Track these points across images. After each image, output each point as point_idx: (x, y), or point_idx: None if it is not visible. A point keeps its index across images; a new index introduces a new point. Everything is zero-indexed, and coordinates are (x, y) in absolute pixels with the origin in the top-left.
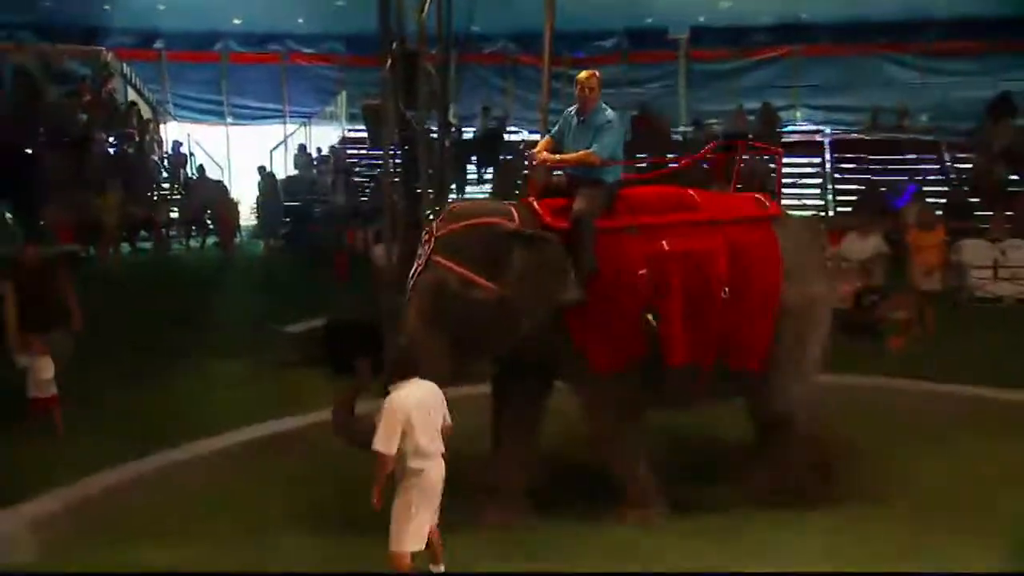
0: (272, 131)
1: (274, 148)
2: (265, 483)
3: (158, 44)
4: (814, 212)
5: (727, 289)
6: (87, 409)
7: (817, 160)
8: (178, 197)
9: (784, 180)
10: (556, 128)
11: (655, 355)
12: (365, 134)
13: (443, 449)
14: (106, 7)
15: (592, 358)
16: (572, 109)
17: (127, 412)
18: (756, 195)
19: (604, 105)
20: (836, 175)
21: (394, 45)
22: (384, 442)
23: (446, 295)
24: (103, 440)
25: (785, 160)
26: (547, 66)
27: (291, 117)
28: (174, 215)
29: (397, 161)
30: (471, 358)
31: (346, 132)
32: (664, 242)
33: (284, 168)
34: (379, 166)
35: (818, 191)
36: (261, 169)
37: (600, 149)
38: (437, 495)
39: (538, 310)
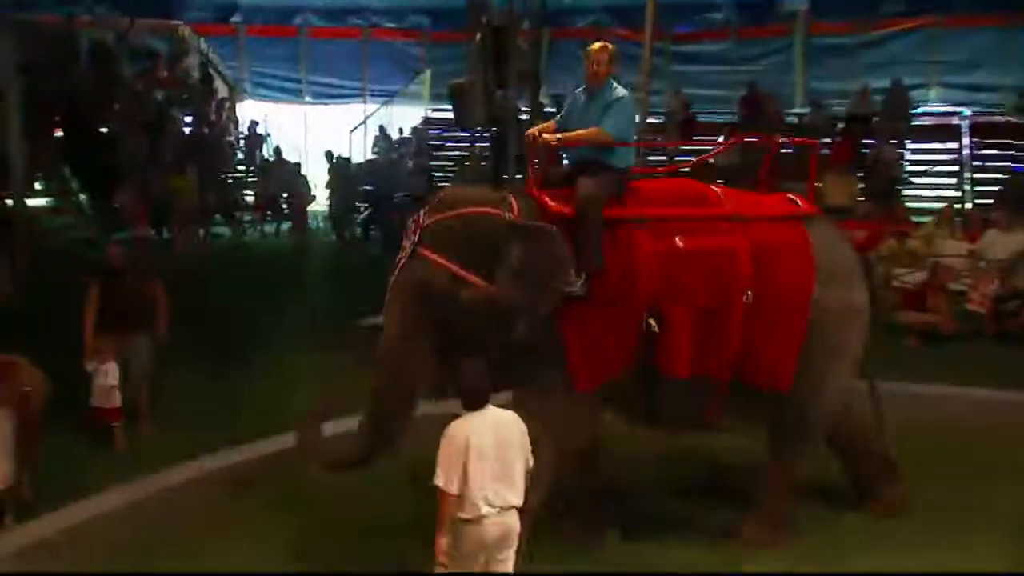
0: (351, 111)
1: (353, 129)
2: (331, 485)
3: (236, 18)
4: (948, 204)
5: (750, 294)
6: (160, 405)
7: (954, 145)
8: (253, 180)
9: (915, 168)
10: (563, 111)
11: (651, 366)
12: (450, 115)
13: (517, 501)
14: None
15: (576, 371)
16: (580, 88)
17: (199, 407)
18: (787, 194)
19: (615, 83)
20: (975, 163)
21: (483, 19)
22: (444, 477)
23: (432, 292)
24: (172, 437)
25: (917, 146)
26: (648, 41)
27: (371, 96)
28: (249, 199)
29: (484, 144)
30: (455, 366)
31: (429, 112)
32: (677, 238)
33: (363, 151)
34: (464, 149)
35: (954, 180)
36: (328, 155)
37: (609, 127)
38: (480, 556)
39: (534, 312)
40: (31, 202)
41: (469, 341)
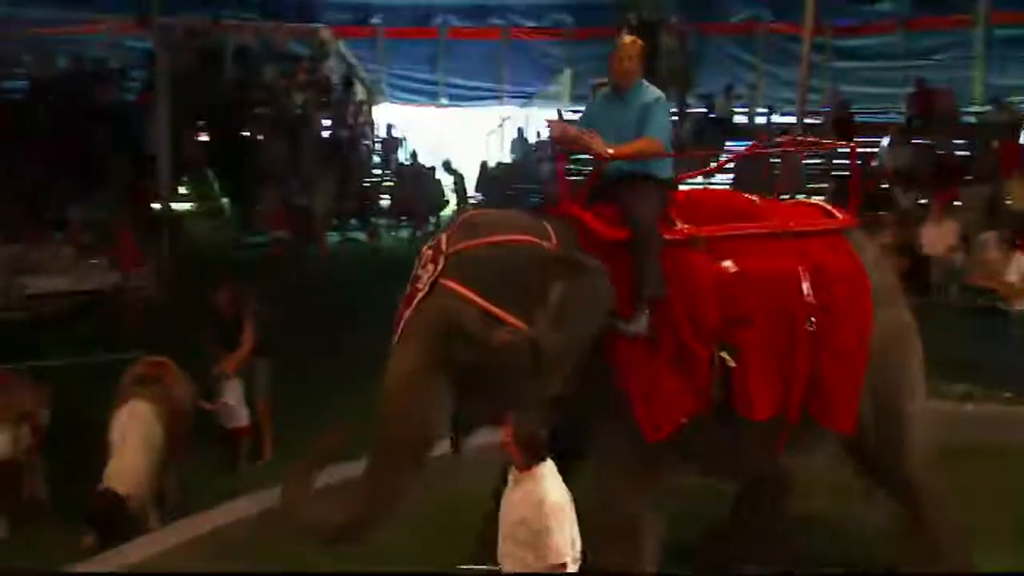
0: (488, 113)
1: (490, 132)
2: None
3: (375, 20)
4: None
5: (813, 319)
6: (288, 411)
7: None
8: (389, 184)
9: None
10: (581, 117)
11: (718, 409)
12: None
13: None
14: None
15: (643, 419)
16: (603, 89)
17: (323, 421)
18: (817, 202)
19: (645, 82)
20: None
21: (630, 15)
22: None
23: (458, 333)
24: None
25: None
26: (808, 36)
27: (509, 98)
28: (384, 203)
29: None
30: (478, 422)
31: (569, 113)
32: (733, 259)
33: (500, 154)
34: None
35: None
36: (447, 164)
37: (656, 134)
38: None
39: (574, 359)
40: (175, 205)
41: (499, 390)
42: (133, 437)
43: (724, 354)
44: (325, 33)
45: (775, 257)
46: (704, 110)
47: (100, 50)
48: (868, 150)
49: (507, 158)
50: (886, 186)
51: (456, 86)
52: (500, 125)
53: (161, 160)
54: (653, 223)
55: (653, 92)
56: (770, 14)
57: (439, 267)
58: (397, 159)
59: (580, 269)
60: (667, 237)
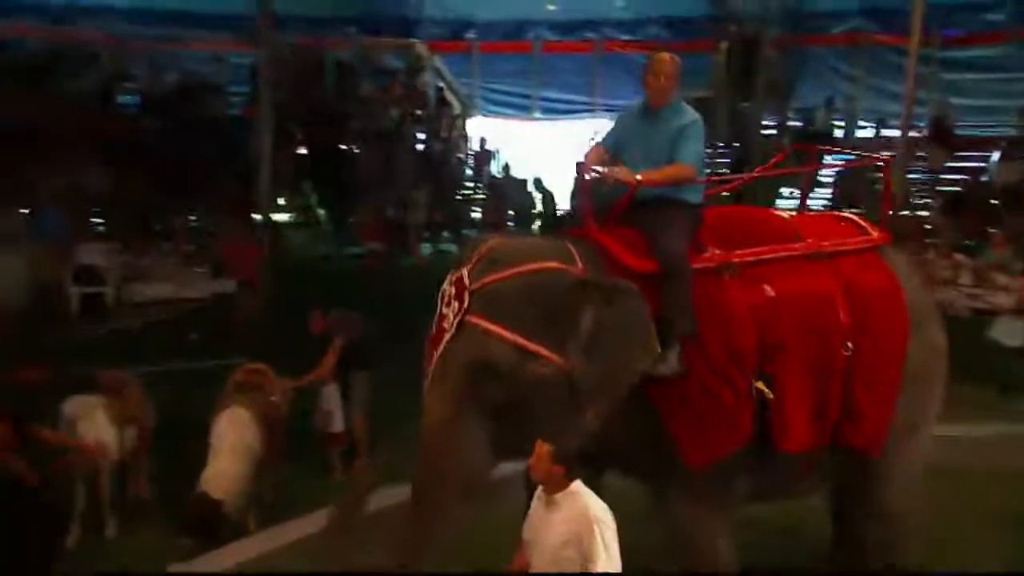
0: (581, 127)
1: (583, 145)
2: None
3: (470, 35)
4: None
5: (849, 344)
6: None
7: None
8: (482, 197)
9: None
10: (609, 134)
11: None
12: None
13: None
14: None
15: (687, 449)
16: (634, 106)
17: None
18: (847, 215)
19: (682, 102)
20: None
21: (731, 28)
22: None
23: (490, 372)
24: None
25: None
26: (914, 47)
27: (602, 111)
28: (476, 216)
29: (725, 160)
30: (515, 457)
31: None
32: (767, 284)
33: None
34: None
35: None
36: (538, 183)
37: (690, 159)
38: None
39: (616, 390)
40: (275, 216)
41: (537, 426)
42: (230, 442)
43: (761, 384)
44: (421, 48)
45: (810, 279)
46: (803, 124)
47: (207, 66)
48: (977, 165)
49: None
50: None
51: (549, 99)
52: (592, 138)
53: (262, 172)
54: (683, 254)
55: (689, 114)
56: (874, 25)
57: (464, 304)
58: (489, 172)
59: (611, 292)
60: (698, 265)
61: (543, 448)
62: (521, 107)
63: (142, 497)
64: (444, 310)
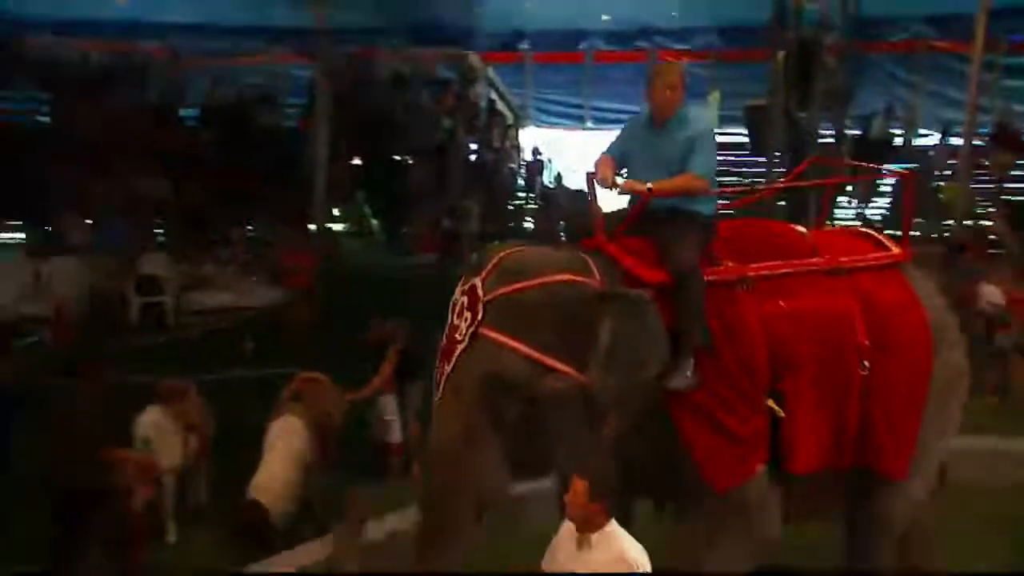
0: None
1: None
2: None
3: (523, 45)
4: None
5: (866, 363)
6: None
7: None
8: (533, 207)
9: None
10: (616, 143)
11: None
12: (737, 138)
13: None
14: (476, 9)
15: (710, 472)
16: (640, 116)
17: None
18: (867, 231)
19: (691, 109)
20: None
21: (788, 34)
22: None
23: (505, 386)
24: None
25: None
26: (978, 54)
27: None
28: (528, 226)
29: (781, 170)
30: (531, 476)
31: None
32: (781, 298)
33: None
34: (757, 176)
35: None
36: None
37: (701, 169)
38: None
39: (633, 404)
40: (330, 226)
41: (553, 443)
42: (280, 450)
43: (771, 402)
44: (474, 59)
45: (826, 295)
46: (860, 132)
47: (264, 79)
48: None
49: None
50: None
51: (601, 109)
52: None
53: (317, 183)
54: (696, 266)
55: (699, 123)
56: (933, 32)
57: (477, 316)
58: (541, 182)
59: (628, 303)
60: (711, 278)
61: (579, 484)
62: (573, 117)
63: (201, 504)
64: (456, 321)
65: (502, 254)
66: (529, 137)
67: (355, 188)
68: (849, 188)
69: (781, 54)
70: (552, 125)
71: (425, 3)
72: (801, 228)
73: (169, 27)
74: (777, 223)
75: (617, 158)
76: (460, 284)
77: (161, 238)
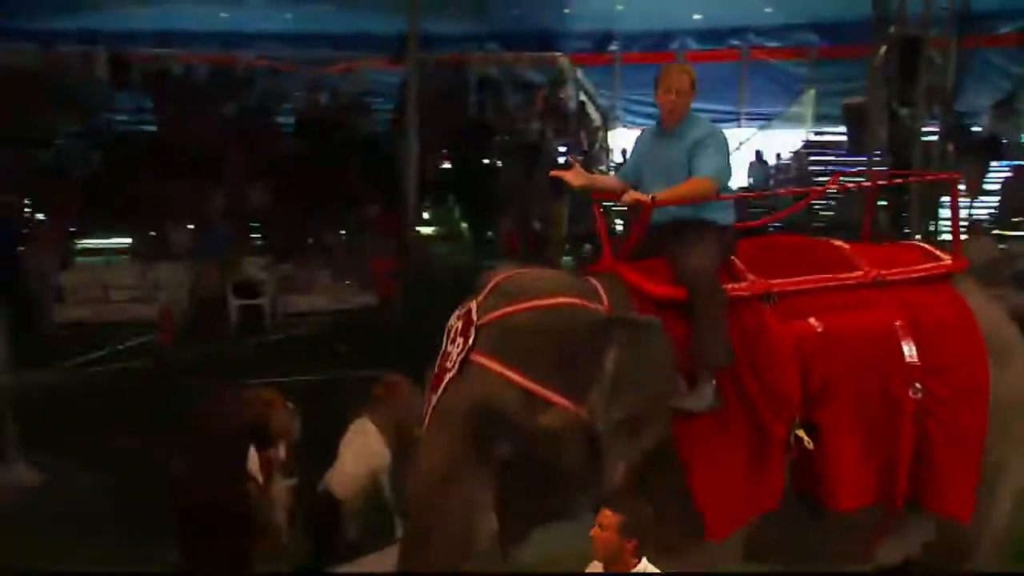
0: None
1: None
2: None
3: (613, 47)
4: None
5: (918, 386)
6: None
7: None
8: (622, 209)
9: None
10: (629, 161)
11: (798, 496)
12: (835, 137)
13: None
14: (566, 11)
15: (708, 512)
16: (651, 127)
17: None
18: (914, 242)
19: (698, 115)
20: None
21: (889, 30)
22: None
23: (497, 420)
24: None
25: None
26: None
27: (747, 120)
28: (619, 227)
29: (882, 169)
30: (526, 524)
31: (811, 135)
32: (814, 316)
33: (737, 177)
34: (855, 175)
35: None
36: None
37: (707, 172)
38: None
39: (641, 442)
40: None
41: (551, 485)
42: (354, 449)
43: (801, 433)
44: (563, 61)
45: (867, 311)
46: (967, 129)
47: (357, 85)
48: None
49: (744, 181)
50: None
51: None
52: (737, 148)
53: (408, 187)
54: (714, 277)
55: (705, 126)
56: None
57: (470, 340)
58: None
59: (636, 328)
60: (733, 293)
61: (609, 518)
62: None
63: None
64: (449, 347)
65: (500, 276)
66: (619, 139)
67: (445, 192)
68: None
69: (882, 50)
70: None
71: (516, 7)
72: (839, 242)
73: (266, 37)
74: (811, 238)
75: (630, 176)
76: (458, 310)
77: (258, 242)
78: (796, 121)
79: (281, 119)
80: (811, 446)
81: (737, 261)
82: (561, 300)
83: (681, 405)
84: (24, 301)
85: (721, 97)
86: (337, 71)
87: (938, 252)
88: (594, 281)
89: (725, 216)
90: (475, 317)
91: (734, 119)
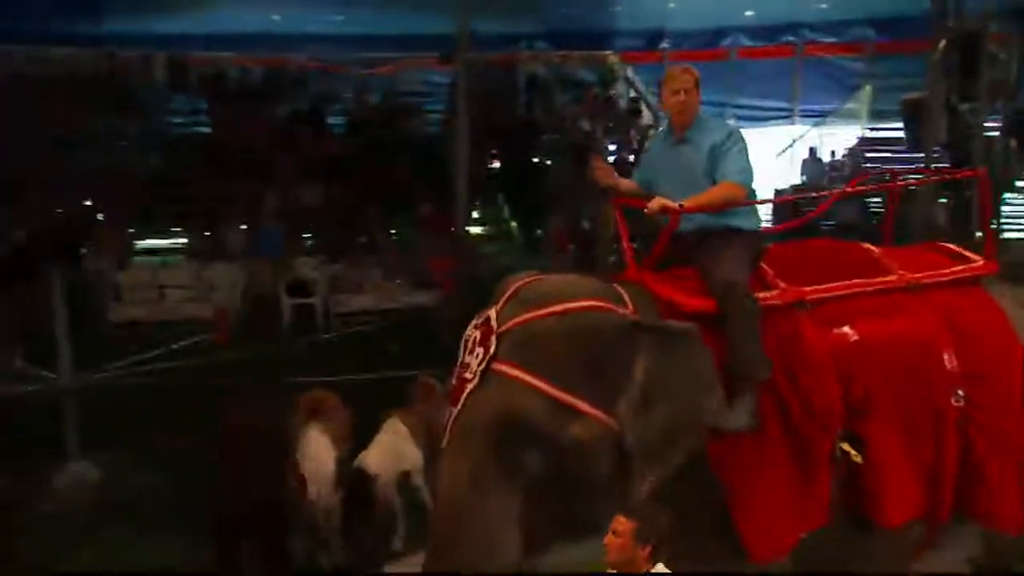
0: (777, 134)
1: (780, 152)
2: None
3: (664, 44)
4: None
5: (960, 393)
6: None
7: None
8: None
9: None
10: (641, 168)
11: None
12: (891, 133)
13: None
14: (616, 9)
15: (749, 536)
16: (660, 133)
17: None
18: (941, 244)
19: (709, 115)
20: None
21: (948, 24)
22: None
23: (522, 432)
24: None
25: None
26: None
27: (801, 117)
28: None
29: (941, 166)
30: (549, 539)
31: (867, 132)
32: (850, 323)
33: (791, 175)
34: (912, 172)
35: None
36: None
37: (735, 176)
38: None
39: (675, 453)
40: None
41: (579, 499)
42: (384, 441)
43: (846, 446)
44: (613, 59)
45: (903, 317)
46: None
47: (407, 85)
48: None
49: (798, 180)
50: None
51: (744, 106)
52: (791, 145)
53: (459, 186)
54: (746, 286)
55: (721, 127)
56: None
57: (490, 350)
58: None
59: (668, 335)
60: (766, 302)
61: (624, 524)
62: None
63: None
64: (467, 358)
65: (520, 282)
66: None
67: (495, 191)
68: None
69: (941, 45)
70: None
71: (566, 6)
72: (867, 246)
73: (317, 39)
74: (837, 241)
75: (643, 184)
76: (475, 319)
77: (310, 242)
78: (851, 118)
79: (332, 120)
80: (859, 460)
81: (766, 268)
82: (586, 304)
83: (717, 423)
84: (83, 301)
85: (774, 94)
86: (387, 72)
87: (966, 253)
88: (620, 288)
89: (752, 222)
90: (495, 325)
91: (787, 116)
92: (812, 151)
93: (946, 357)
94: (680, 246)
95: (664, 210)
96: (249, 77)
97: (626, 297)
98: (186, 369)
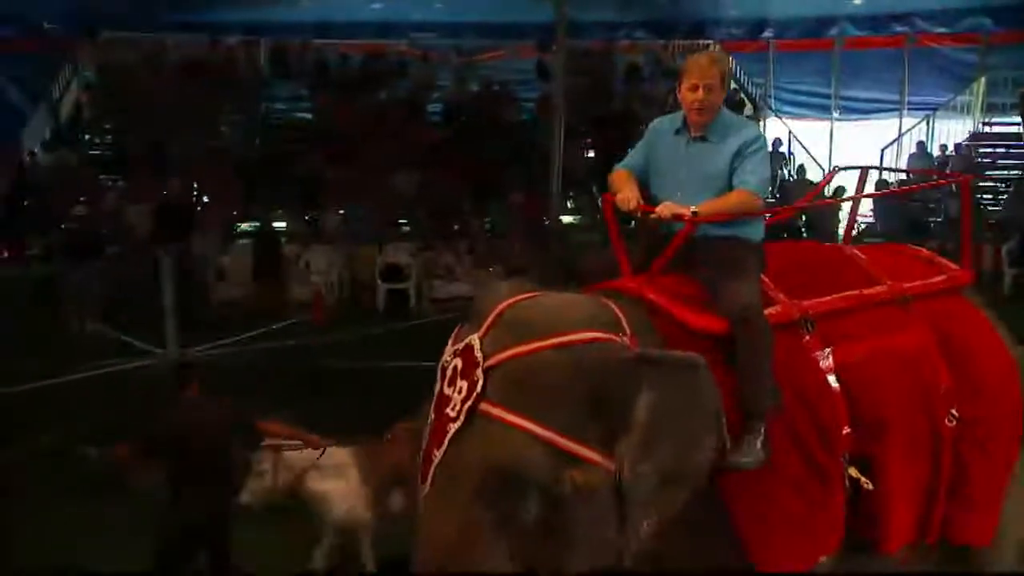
0: (884, 127)
1: (886, 147)
2: None
3: (767, 34)
4: None
5: (955, 412)
6: None
7: None
8: (772, 201)
9: None
10: (636, 155)
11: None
12: (1008, 128)
13: None
14: None
15: (766, 567)
16: (665, 121)
17: None
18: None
19: (731, 113)
20: None
21: None
22: None
23: (516, 481)
24: None
25: None
26: None
27: (910, 110)
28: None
29: None
30: None
31: (980, 126)
32: (853, 339)
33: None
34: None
35: None
36: (836, 190)
37: (754, 185)
38: None
39: (678, 495)
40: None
41: (575, 548)
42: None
43: (854, 471)
44: (713, 48)
45: (900, 333)
46: None
47: (504, 74)
48: None
49: (904, 174)
50: None
51: (851, 98)
52: (897, 138)
53: (553, 175)
54: (759, 308)
55: (746, 128)
56: None
57: (476, 387)
58: (782, 175)
59: (673, 368)
60: (772, 320)
61: None
62: (819, 107)
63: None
64: (447, 390)
65: (505, 304)
66: (770, 128)
67: (589, 180)
68: None
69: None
70: (795, 116)
71: None
72: (847, 248)
73: (416, 26)
74: (819, 244)
75: (639, 175)
76: (452, 340)
77: (405, 227)
78: (963, 111)
79: (430, 107)
80: (870, 486)
81: (765, 279)
82: (584, 336)
83: (728, 462)
84: (188, 282)
85: (883, 86)
86: (485, 59)
87: (937, 258)
88: (614, 306)
89: (758, 232)
90: (479, 356)
91: (895, 109)
92: (920, 145)
93: (941, 375)
94: (685, 255)
95: (676, 218)
96: (348, 64)
97: (623, 320)
98: (282, 350)
